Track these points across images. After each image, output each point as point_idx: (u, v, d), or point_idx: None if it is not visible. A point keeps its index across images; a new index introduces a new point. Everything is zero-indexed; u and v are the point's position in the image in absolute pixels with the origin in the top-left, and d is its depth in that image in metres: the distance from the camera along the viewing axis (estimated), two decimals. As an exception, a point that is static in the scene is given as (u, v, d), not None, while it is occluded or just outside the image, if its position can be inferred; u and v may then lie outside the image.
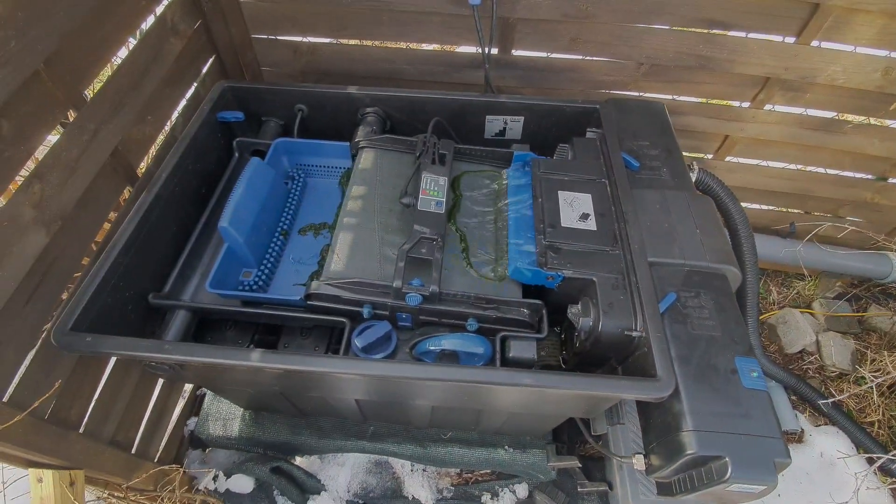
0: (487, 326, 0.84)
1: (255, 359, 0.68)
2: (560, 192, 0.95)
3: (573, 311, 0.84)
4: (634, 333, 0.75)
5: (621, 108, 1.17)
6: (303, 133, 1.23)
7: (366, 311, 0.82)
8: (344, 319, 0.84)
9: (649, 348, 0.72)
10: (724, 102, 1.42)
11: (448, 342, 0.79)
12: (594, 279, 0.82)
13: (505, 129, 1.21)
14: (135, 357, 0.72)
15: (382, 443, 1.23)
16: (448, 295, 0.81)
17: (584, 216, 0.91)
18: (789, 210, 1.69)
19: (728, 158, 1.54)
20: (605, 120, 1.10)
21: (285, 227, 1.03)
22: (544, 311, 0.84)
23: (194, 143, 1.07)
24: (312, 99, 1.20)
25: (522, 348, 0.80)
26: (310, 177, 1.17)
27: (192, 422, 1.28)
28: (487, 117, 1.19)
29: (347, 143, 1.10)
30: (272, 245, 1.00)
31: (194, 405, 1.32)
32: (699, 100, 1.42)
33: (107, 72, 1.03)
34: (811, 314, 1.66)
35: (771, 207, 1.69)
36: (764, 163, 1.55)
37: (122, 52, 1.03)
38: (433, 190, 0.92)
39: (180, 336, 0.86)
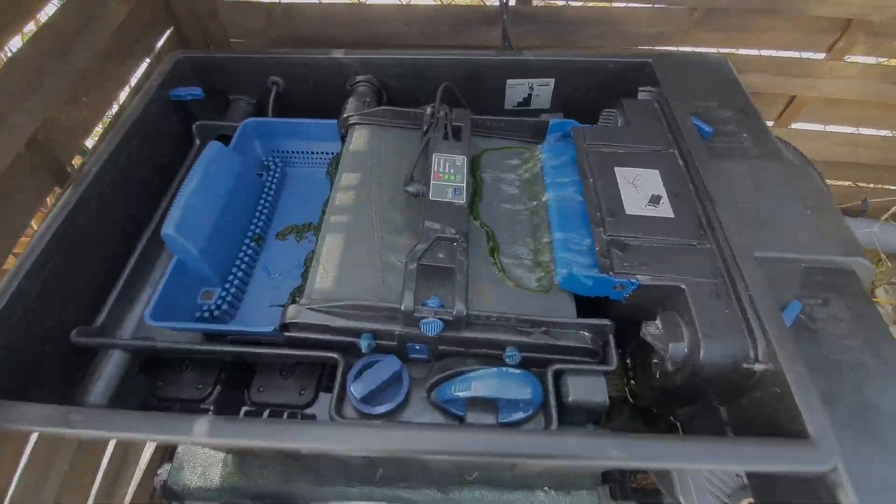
0: (534, 356, 0.61)
1: (200, 433, 0.45)
2: (617, 169, 0.71)
3: (652, 331, 0.61)
4: (757, 366, 0.52)
5: (673, 66, 0.92)
6: (280, 112, 1.00)
7: (364, 344, 0.59)
8: (335, 355, 0.61)
9: (784, 388, 0.49)
10: (793, 55, 1.17)
11: (482, 386, 0.56)
12: (682, 286, 0.58)
13: (530, 96, 0.97)
14: (24, 432, 0.51)
15: (394, 488, 1.00)
16: (479, 317, 0.57)
17: (655, 199, 0.67)
18: (862, 184, 1.44)
19: (794, 125, 1.29)
20: (663, 76, 0.86)
21: (258, 230, 0.80)
22: (611, 336, 0.60)
23: (139, 129, 0.84)
24: (289, 69, 0.96)
25: (588, 388, 0.57)
26: (290, 166, 0.94)
27: (164, 470, 1.06)
28: (508, 82, 0.94)
29: (335, 122, 0.87)
30: (241, 255, 0.77)
31: (167, 449, 1.10)
32: (762, 52, 1.17)
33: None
34: (878, 304, 1.41)
35: (843, 182, 1.44)
36: (836, 128, 1.30)
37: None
38: (448, 173, 0.69)
39: (114, 386, 0.64)
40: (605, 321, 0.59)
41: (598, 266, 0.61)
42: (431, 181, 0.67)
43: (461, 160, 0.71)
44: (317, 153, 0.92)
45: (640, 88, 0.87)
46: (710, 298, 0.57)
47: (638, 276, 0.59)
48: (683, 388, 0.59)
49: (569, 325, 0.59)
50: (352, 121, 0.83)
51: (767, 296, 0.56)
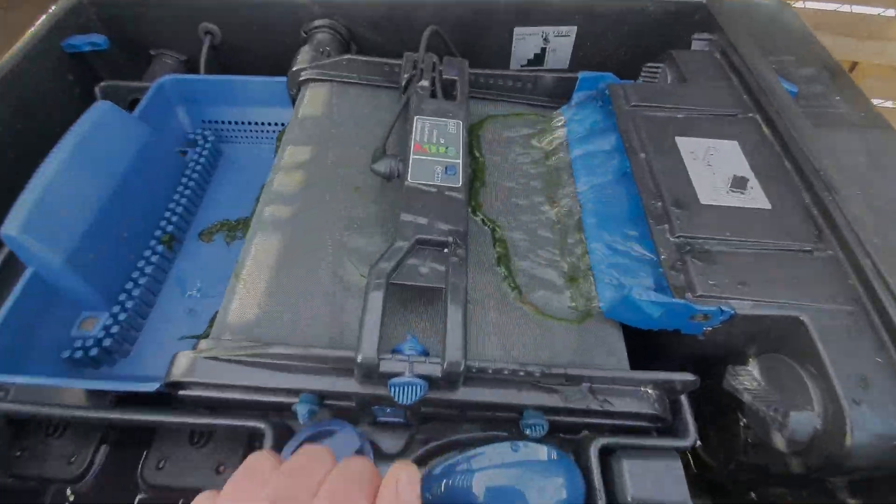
0: (566, 420, 0.40)
1: None
2: (680, 140, 0.49)
3: (748, 384, 0.40)
4: (947, 458, 0.31)
5: (729, 13, 0.71)
6: (217, 72, 0.77)
7: (303, 412, 0.37)
8: (260, 424, 0.39)
9: None
10: (859, 9, 0.96)
11: (488, 478, 0.35)
12: (802, 316, 0.37)
13: (544, 51, 0.74)
14: None
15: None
16: (484, 370, 0.36)
17: (739, 182, 0.46)
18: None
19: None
20: (725, 19, 0.64)
21: (171, 228, 0.57)
22: (685, 394, 0.39)
23: (14, 90, 0.61)
24: (227, 14, 0.73)
25: (657, 481, 0.36)
26: (226, 141, 0.71)
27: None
28: (516, 32, 0.72)
29: (285, 79, 0.64)
30: (142, 264, 0.54)
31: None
32: (818, 4, 0.96)
33: None
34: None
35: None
36: (901, 103, 1.10)
37: None
38: (436, 144, 0.47)
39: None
40: (687, 376, 0.37)
41: (665, 285, 0.40)
42: (411, 155, 0.45)
43: (456, 126, 0.49)
44: (262, 124, 0.69)
45: (695, 36, 0.65)
46: (849, 337, 0.36)
47: (733, 302, 0.38)
48: (796, 477, 0.38)
49: (625, 379, 0.38)
50: (304, 75, 0.60)
51: (945, 334, 0.35)
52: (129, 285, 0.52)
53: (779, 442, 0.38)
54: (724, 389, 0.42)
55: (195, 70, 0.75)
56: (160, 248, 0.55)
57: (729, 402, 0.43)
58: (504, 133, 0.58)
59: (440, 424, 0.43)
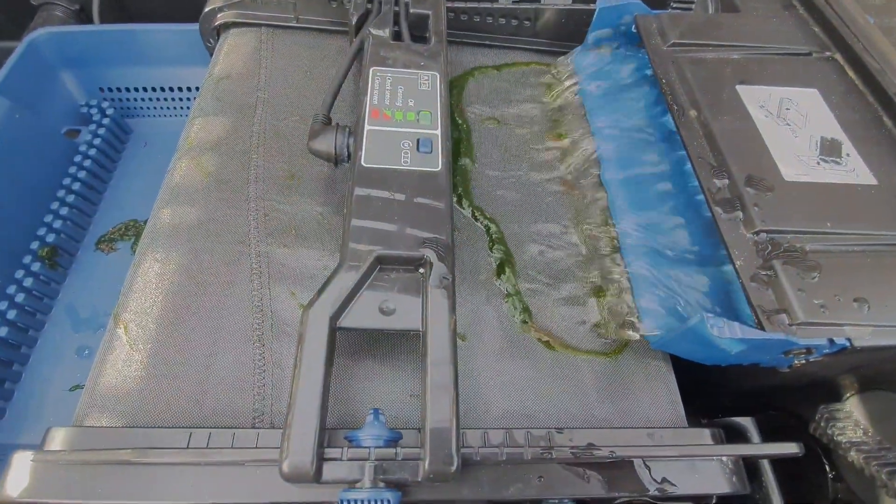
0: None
1: None
2: (741, 89, 0.36)
3: (850, 435, 0.28)
4: None
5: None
6: (118, 22, 0.59)
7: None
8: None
9: None
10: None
11: None
12: (942, 348, 0.25)
13: (542, -18, 0.58)
14: None
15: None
16: (486, 457, 0.23)
17: (831, 147, 0.33)
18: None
19: None
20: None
21: (53, 238, 0.42)
22: (768, 461, 0.28)
23: None
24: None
25: None
26: (134, 115, 0.54)
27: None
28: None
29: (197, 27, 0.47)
30: (15, 289, 0.40)
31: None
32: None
33: None
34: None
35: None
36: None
37: None
38: (402, 108, 0.32)
39: None
40: (788, 447, 0.25)
41: (741, 306, 0.27)
42: (365, 125, 0.31)
43: (431, 80, 0.34)
44: (180, 90, 0.53)
45: (741, -48, 0.49)
46: None
47: (848, 330, 0.25)
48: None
49: (693, 455, 0.26)
50: (221, 18, 0.44)
51: None
52: (-6, 321, 0.38)
53: (894, 512, 0.28)
54: (809, 432, 0.31)
55: (91, 22, 0.58)
56: (37, 265, 0.41)
57: (808, 443, 0.32)
58: (496, 91, 0.43)
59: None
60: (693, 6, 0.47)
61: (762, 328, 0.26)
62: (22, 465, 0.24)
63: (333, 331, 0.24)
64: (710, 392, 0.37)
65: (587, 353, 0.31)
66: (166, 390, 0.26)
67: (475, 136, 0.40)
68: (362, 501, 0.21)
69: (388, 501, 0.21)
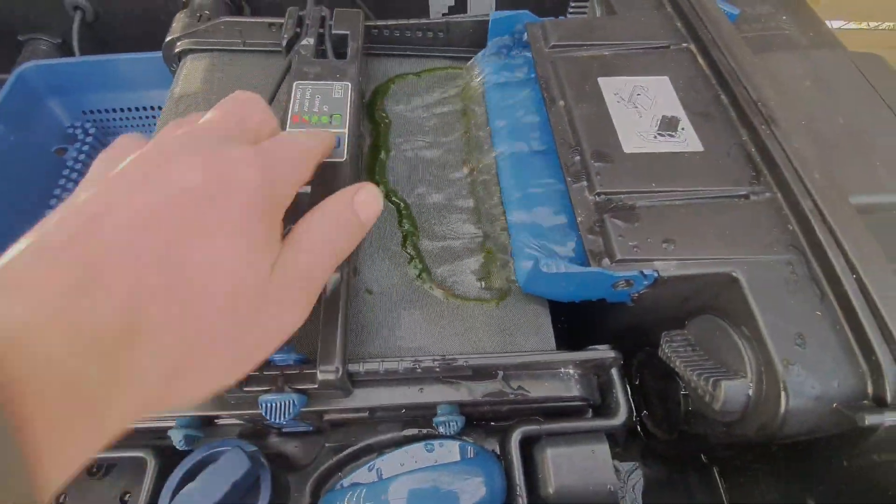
0: (487, 410, 0.36)
1: None
2: (603, 81, 0.43)
3: (681, 352, 0.36)
4: (888, 418, 0.27)
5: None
6: (97, 52, 0.67)
7: (177, 439, 0.32)
8: (140, 454, 0.35)
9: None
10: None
11: (407, 483, 0.31)
12: (735, 272, 0.32)
13: (466, -6, 0.66)
14: None
15: None
16: (375, 371, 0.31)
17: (669, 122, 0.40)
18: None
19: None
20: (658, -64, 0.56)
21: (49, 239, 0.51)
22: (616, 370, 0.35)
23: None
24: (94, -19, 0.63)
25: (583, 469, 0.32)
26: (114, 133, 0.63)
27: None
28: (431, -25, 0.63)
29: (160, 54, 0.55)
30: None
31: None
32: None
33: None
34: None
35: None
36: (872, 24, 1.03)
37: None
38: (318, 113, 0.40)
39: None
40: (607, 352, 0.33)
41: (584, 251, 0.35)
42: (287, 128, 0.39)
43: (342, 88, 0.42)
44: (154, 109, 0.61)
45: (626, -40, 0.57)
46: (786, 291, 0.32)
47: (657, 264, 0.33)
48: (738, 442, 0.35)
49: (539, 363, 0.33)
50: (179, 46, 0.52)
51: (890, 275, 0.31)
52: None
53: (713, 412, 0.35)
54: (662, 364, 0.38)
55: (72, 53, 0.66)
56: (36, 263, 0.49)
57: (670, 370, 0.40)
58: (413, 91, 0.51)
59: (354, 428, 0.38)
60: (586, 10, 0.55)
61: (593, 266, 0.33)
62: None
63: (255, 284, 0.32)
64: (594, 337, 0.44)
65: (477, 301, 0.38)
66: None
67: (393, 129, 0.47)
68: (274, 401, 0.28)
69: (294, 401, 0.29)
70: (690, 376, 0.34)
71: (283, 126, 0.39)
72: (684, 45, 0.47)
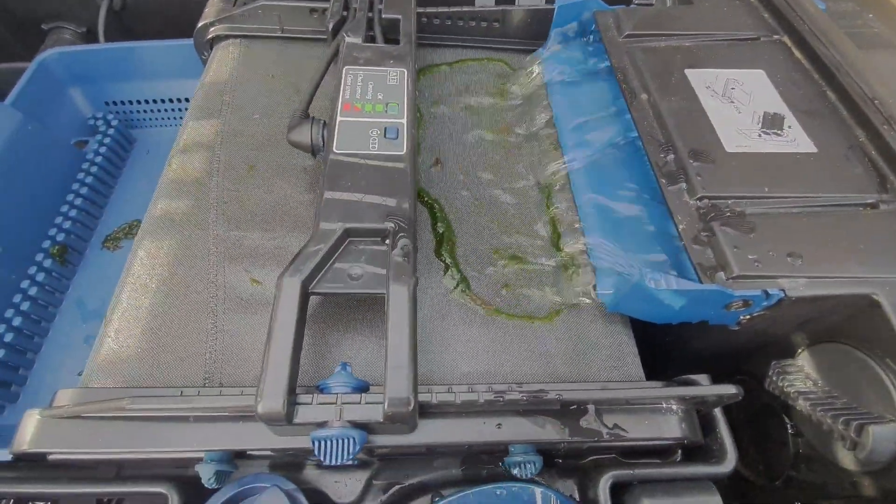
0: (564, 448, 0.30)
1: None
2: (690, 73, 0.38)
3: (799, 386, 0.30)
4: None
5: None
6: (122, 40, 0.64)
7: (206, 476, 0.26)
8: (161, 490, 0.29)
9: None
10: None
11: None
12: (874, 293, 0.27)
13: (515, -13, 0.62)
14: None
15: None
16: (444, 404, 0.25)
17: (773, 120, 0.35)
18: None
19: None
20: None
21: (63, 237, 0.46)
22: (719, 408, 0.30)
23: None
24: (124, -33, 0.60)
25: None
26: (137, 125, 0.59)
27: None
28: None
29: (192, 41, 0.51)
30: (28, 284, 0.43)
31: None
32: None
33: None
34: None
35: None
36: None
37: None
38: (372, 101, 0.35)
39: None
40: (726, 388, 0.27)
41: (688, 264, 0.29)
42: (338, 117, 0.34)
43: (398, 76, 0.37)
44: (179, 101, 0.57)
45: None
46: (943, 318, 0.26)
47: (782, 282, 0.27)
48: (870, 496, 0.29)
49: (642, 398, 0.28)
50: (212, 32, 0.48)
51: None
52: (10, 312, 0.41)
53: (846, 459, 0.29)
54: (766, 389, 0.33)
55: (97, 42, 0.62)
56: (49, 262, 0.44)
57: (770, 402, 0.34)
58: (458, 84, 0.46)
59: (406, 462, 0.33)
60: (654, 1, 0.50)
61: (700, 283, 0.28)
62: (31, 421, 0.27)
63: (305, 294, 0.27)
64: (677, 362, 0.38)
65: (542, 320, 0.33)
66: (149, 361, 0.29)
67: (430, 127, 0.43)
68: (331, 439, 0.23)
69: (354, 439, 0.23)
70: (821, 417, 0.28)
71: (332, 114, 0.34)
72: (776, 37, 0.42)
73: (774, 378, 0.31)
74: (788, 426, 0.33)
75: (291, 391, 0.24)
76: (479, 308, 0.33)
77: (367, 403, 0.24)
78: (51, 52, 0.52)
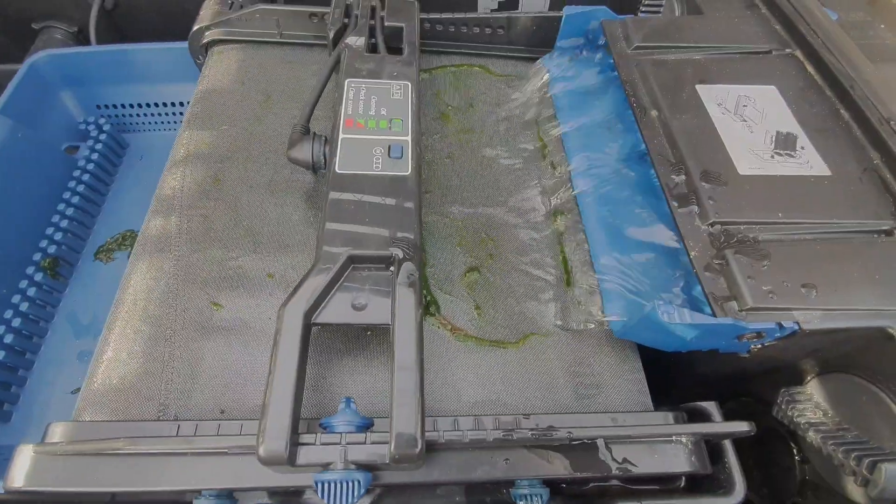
0: (570, 481, 0.29)
1: None
2: (701, 89, 0.37)
3: (809, 416, 0.29)
4: None
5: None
6: (116, 41, 0.62)
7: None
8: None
9: None
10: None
11: None
12: (889, 328, 0.26)
13: (519, -10, 0.60)
14: None
15: None
16: (451, 442, 0.25)
17: (785, 141, 0.34)
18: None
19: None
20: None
21: (55, 249, 0.45)
22: (729, 441, 0.29)
23: None
24: (114, -35, 0.58)
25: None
26: (130, 130, 0.57)
27: None
28: (482, -32, 0.58)
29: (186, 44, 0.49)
30: (19, 299, 0.42)
31: None
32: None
33: None
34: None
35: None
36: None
37: None
38: (375, 117, 0.34)
39: None
40: (739, 426, 0.27)
41: (698, 294, 0.29)
42: (340, 133, 0.33)
43: (402, 89, 0.36)
44: (173, 105, 0.56)
45: (707, -45, 0.51)
46: (959, 353, 0.26)
47: (797, 314, 0.27)
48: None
49: (657, 435, 0.27)
50: (208, 36, 0.46)
51: None
52: (0, 329, 0.40)
53: (855, 492, 0.29)
54: (772, 414, 0.32)
55: (89, 43, 0.60)
56: (39, 275, 0.43)
57: (775, 427, 0.34)
58: (463, 93, 0.45)
59: (409, 490, 0.32)
60: (661, 10, 0.49)
61: (714, 315, 0.27)
62: (25, 457, 0.26)
63: (308, 326, 0.26)
64: (681, 382, 0.38)
65: (493, 344, 0.32)
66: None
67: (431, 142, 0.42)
68: (334, 482, 0.22)
69: (359, 482, 0.23)
70: (831, 451, 0.28)
71: (335, 129, 0.33)
72: (788, 50, 0.41)
73: (784, 406, 0.31)
74: (795, 452, 0.33)
75: (294, 431, 0.23)
76: (447, 332, 0.32)
77: (371, 443, 0.23)
78: (41, 54, 0.50)
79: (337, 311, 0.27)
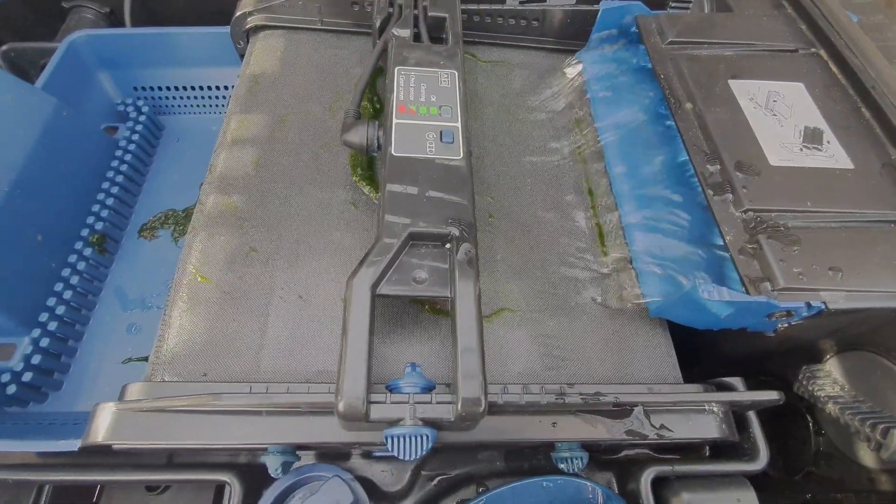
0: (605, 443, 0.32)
1: None
2: (733, 84, 0.39)
3: (829, 390, 0.32)
4: None
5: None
6: (150, 23, 0.63)
7: (273, 467, 0.28)
8: (225, 478, 0.31)
9: None
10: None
11: None
12: (907, 309, 0.29)
13: (548, -17, 0.61)
14: None
15: None
16: (510, 404, 0.27)
17: (813, 135, 0.36)
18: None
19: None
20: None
21: (102, 226, 0.46)
22: (753, 410, 0.32)
23: None
24: (150, -53, 0.58)
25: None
26: (166, 112, 0.58)
27: None
28: (512, -40, 0.59)
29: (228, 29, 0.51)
30: (70, 273, 0.43)
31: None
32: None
33: None
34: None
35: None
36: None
37: None
38: (426, 104, 0.36)
39: None
40: (769, 394, 0.29)
41: (733, 275, 0.31)
42: (393, 119, 0.34)
43: (450, 78, 0.37)
44: (209, 88, 0.57)
45: (735, -46, 0.53)
46: (971, 332, 0.28)
47: (824, 294, 0.29)
48: (889, 490, 0.32)
49: (688, 402, 0.29)
50: (251, 21, 0.47)
51: None
52: (52, 301, 0.42)
53: (867, 457, 0.31)
54: (791, 390, 0.35)
55: (120, 24, 0.61)
56: (89, 251, 0.44)
57: (794, 403, 0.36)
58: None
59: (452, 453, 0.35)
60: (690, 6, 0.51)
61: (748, 294, 0.29)
62: (106, 414, 0.27)
63: (374, 296, 0.28)
64: (705, 361, 0.40)
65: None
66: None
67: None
68: (405, 436, 0.25)
69: (427, 436, 0.25)
70: (848, 420, 0.30)
71: (388, 115, 0.35)
72: (813, 50, 0.43)
73: (805, 382, 0.33)
74: (811, 425, 0.36)
75: (368, 390, 0.25)
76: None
77: (437, 403, 0.26)
78: (80, 33, 0.51)
79: (399, 283, 0.29)
